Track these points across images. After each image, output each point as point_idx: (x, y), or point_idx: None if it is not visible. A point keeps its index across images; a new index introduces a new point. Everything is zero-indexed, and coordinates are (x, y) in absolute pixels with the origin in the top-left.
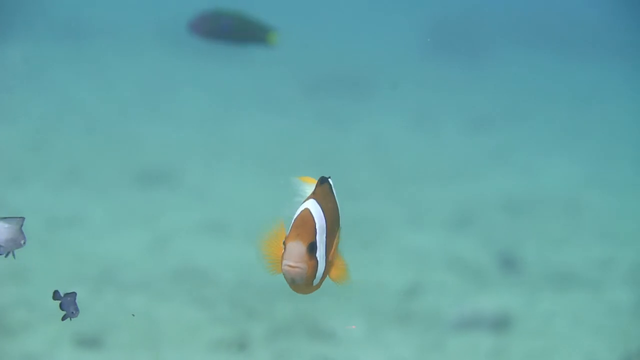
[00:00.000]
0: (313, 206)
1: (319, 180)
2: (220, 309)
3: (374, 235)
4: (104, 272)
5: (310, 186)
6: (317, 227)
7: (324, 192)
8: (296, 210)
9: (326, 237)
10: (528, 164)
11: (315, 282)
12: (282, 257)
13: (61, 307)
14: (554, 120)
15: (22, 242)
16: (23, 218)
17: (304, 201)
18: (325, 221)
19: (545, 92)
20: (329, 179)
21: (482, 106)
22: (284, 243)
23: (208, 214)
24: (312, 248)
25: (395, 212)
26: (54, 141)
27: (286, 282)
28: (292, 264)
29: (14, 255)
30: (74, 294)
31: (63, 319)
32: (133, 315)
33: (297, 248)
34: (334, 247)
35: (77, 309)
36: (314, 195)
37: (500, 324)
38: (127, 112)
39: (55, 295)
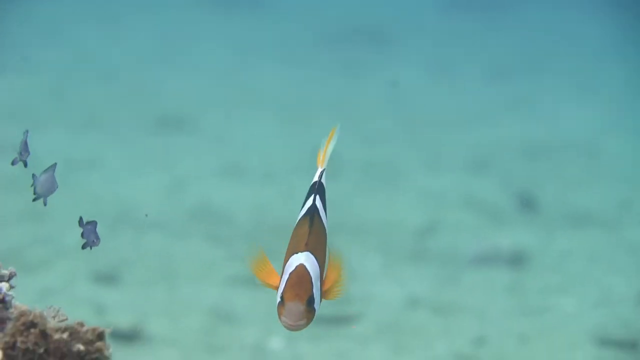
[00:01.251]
0: (307, 260)
1: (309, 215)
2: (236, 247)
3: (391, 177)
4: (121, 212)
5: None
6: (312, 280)
7: (315, 232)
8: (291, 259)
9: (320, 276)
10: (546, 112)
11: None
12: (280, 309)
13: (82, 235)
14: (572, 71)
15: (55, 187)
16: (55, 164)
17: (296, 249)
18: (319, 266)
19: (562, 44)
20: (321, 178)
21: (500, 57)
22: (282, 298)
23: (225, 158)
24: (310, 302)
25: (413, 155)
26: (74, 90)
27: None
28: (291, 323)
29: (45, 202)
30: (94, 222)
31: (83, 247)
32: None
33: (296, 307)
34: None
35: (97, 238)
36: (306, 247)
37: (517, 260)
38: (145, 62)
39: (80, 222)
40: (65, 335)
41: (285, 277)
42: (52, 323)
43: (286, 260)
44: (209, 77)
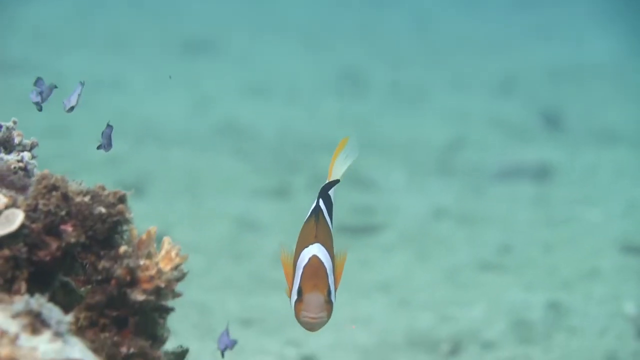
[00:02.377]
0: (320, 251)
1: (314, 214)
2: (261, 161)
3: (417, 98)
4: (146, 129)
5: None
6: (328, 272)
7: (322, 226)
8: (303, 250)
9: (332, 269)
10: (573, 37)
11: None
12: (298, 306)
13: (102, 136)
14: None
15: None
16: (112, 127)
17: (305, 243)
18: (331, 259)
19: None
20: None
21: None
22: (299, 292)
23: (250, 79)
24: (328, 294)
25: (439, 78)
26: (99, 13)
27: (301, 325)
28: (313, 316)
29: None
30: (110, 127)
31: (98, 148)
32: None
33: (316, 299)
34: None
35: (110, 144)
36: (315, 239)
37: (542, 174)
38: None
39: (107, 125)
40: (86, 198)
41: (299, 272)
42: (73, 186)
43: (296, 259)
44: (234, 1)
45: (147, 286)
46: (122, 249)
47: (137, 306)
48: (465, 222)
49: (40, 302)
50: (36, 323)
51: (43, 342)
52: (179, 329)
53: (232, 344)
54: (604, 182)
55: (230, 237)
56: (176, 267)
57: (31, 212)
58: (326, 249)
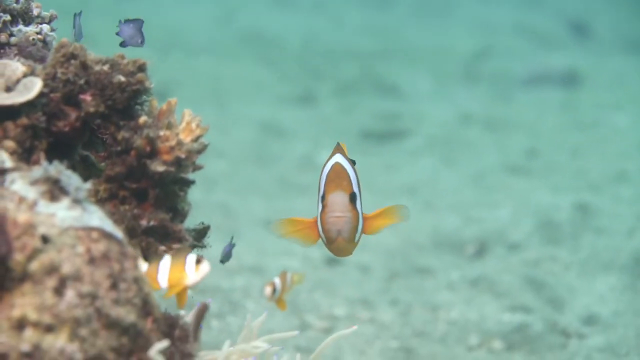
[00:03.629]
0: (342, 160)
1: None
2: (286, 69)
3: (443, 8)
4: (171, 37)
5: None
6: (351, 178)
7: (343, 151)
8: (325, 167)
9: (357, 182)
10: None
11: (356, 237)
12: (323, 212)
13: (119, 34)
14: None
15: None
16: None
17: (328, 160)
18: (355, 174)
19: None
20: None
21: None
22: (324, 196)
23: None
24: (353, 198)
25: None
26: None
27: (326, 241)
28: (339, 214)
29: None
30: (139, 21)
31: (121, 45)
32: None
33: (341, 198)
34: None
35: (142, 38)
36: (338, 150)
37: (570, 80)
38: None
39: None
40: (106, 67)
41: (323, 181)
42: (92, 55)
43: (320, 179)
44: None
45: (168, 157)
46: (142, 119)
47: (157, 178)
48: (492, 127)
49: (58, 169)
50: (54, 190)
51: (61, 209)
52: None
53: (228, 255)
54: (631, 89)
55: (255, 142)
56: (197, 139)
57: (50, 80)
58: (348, 161)
